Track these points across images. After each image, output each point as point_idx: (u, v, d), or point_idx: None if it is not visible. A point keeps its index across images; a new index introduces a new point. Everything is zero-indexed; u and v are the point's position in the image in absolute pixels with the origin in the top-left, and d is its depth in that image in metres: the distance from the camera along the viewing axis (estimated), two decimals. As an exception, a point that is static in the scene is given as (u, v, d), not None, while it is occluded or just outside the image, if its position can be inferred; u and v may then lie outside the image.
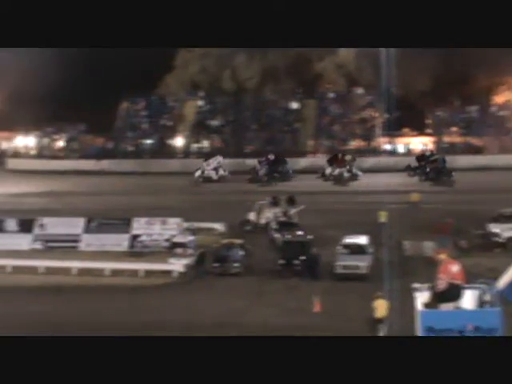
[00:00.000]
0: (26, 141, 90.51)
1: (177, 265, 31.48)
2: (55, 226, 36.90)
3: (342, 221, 38.81)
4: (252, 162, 65.10)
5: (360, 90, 77.92)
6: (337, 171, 62.86)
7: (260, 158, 65.60)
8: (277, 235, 35.36)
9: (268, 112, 77.40)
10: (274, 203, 40.18)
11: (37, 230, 36.63)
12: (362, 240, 32.61)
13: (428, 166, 61.40)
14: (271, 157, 65.99)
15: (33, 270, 31.53)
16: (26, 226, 36.73)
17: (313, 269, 30.63)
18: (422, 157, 63.72)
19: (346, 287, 28.38)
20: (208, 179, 62.75)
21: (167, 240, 35.49)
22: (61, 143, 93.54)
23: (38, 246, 36.08)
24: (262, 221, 38.96)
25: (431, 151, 65.18)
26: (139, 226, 36.43)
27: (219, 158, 65.07)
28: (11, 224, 36.90)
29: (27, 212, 43.85)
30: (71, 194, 58.01)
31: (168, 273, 31.14)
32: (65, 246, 35.94)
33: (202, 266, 31.65)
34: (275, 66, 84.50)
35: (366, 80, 78.56)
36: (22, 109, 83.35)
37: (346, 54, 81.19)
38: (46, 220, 37.17)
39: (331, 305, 25.29)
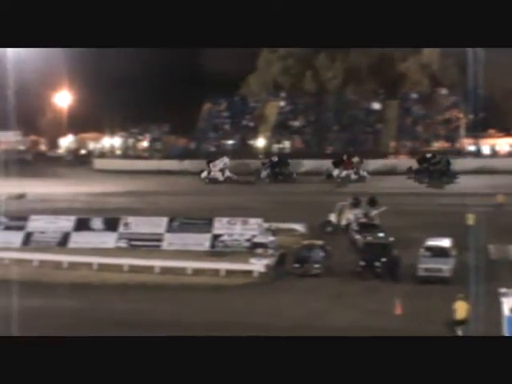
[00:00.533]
0: (112, 141, 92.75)
1: (257, 265, 31.62)
2: (139, 225, 37.62)
3: (424, 223, 38.22)
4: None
5: (444, 91, 76.51)
6: (344, 173, 63.31)
7: (264, 160, 66.42)
8: (358, 237, 35.11)
9: (350, 113, 76.86)
10: (356, 204, 39.86)
11: (121, 229, 37.42)
12: (445, 243, 31.98)
13: (431, 168, 60.86)
14: (274, 159, 66.51)
15: (118, 268, 32.21)
16: (111, 225, 37.59)
17: (393, 271, 30.25)
18: (423, 159, 62.88)
19: (428, 290, 27.90)
20: (214, 180, 63.66)
21: (248, 240, 35.71)
22: (145, 144, 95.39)
23: (123, 244, 36.86)
24: (343, 222, 38.72)
25: (433, 154, 64.01)
26: (221, 225, 36.77)
27: (225, 160, 65.48)
28: (97, 222, 37.86)
29: (112, 211, 44.96)
30: (154, 193, 59.07)
31: (249, 273, 31.31)
32: (148, 245, 36.61)
33: (282, 267, 31.70)
34: (357, 66, 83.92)
35: (450, 80, 77.14)
36: (109, 111, 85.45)
37: (430, 53, 79.93)
38: (130, 219, 37.95)
39: (412, 307, 24.92)
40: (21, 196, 53.91)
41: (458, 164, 61.44)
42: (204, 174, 64.66)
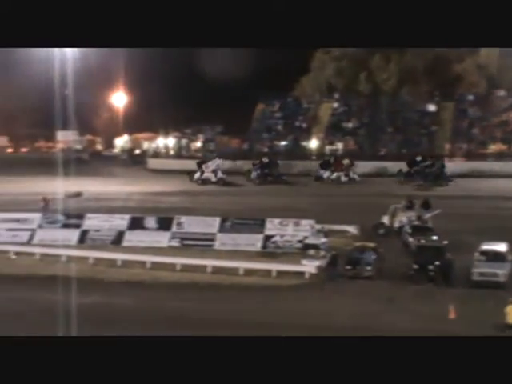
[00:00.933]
0: (166, 142, 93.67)
1: (309, 266, 31.58)
2: (192, 224, 37.93)
3: (478, 226, 37.67)
4: (389, 164, 64.71)
5: (502, 92, 75.19)
6: (334, 175, 64.17)
7: (255, 161, 67.03)
8: (411, 239, 34.76)
9: (404, 114, 76.10)
10: (409, 207, 39.50)
11: (174, 228, 37.79)
12: (502, 247, 31.44)
13: (427, 171, 61.46)
14: (265, 160, 67.05)
15: (170, 267, 32.54)
16: (164, 224, 37.99)
17: (447, 275, 29.87)
18: (412, 162, 63.44)
19: (482, 294, 27.48)
20: (207, 181, 64.35)
21: (300, 241, 35.71)
22: (198, 144, 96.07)
23: (176, 243, 37.22)
24: (396, 224, 38.39)
25: (422, 157, 64.22)
26: (272, 226, 36.84)
27: (218, 161, 66.44)
28: (151, 222, 38.31)
29: (165, 210, 45.47)
30: (207, 193, 59.52)
31: (300, 274, 31.30)
32: (200, 245, 36.88)
33: (334, 268, 31.59)
34: (413, 67, 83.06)
35: (508, 81, 75.74)
36: (163, 111, 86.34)
37: (487, 54, 78.67)
38: (183, 218, 38.31)
39: (465, 312, 24.60)
40: (77, 194, 54.89)
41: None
42: (197, 176, 65.69)
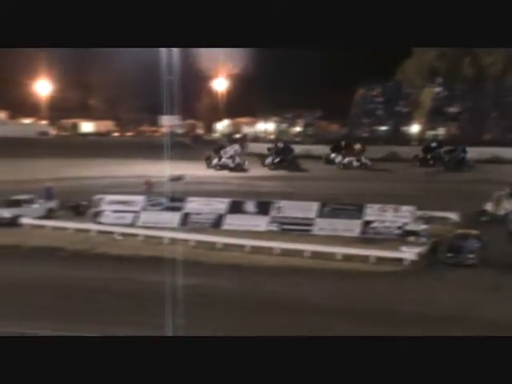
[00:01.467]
0: (265, 126, 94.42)
1: (409, 253, 31.20)
2: (290, 209, 38.12)
3: None
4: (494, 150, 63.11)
5: None
6: (346, 160, 64.14)
7: (270, 147, 67.23)
8: (515, 228, 33.84)
9: (509, 99, 73.71)
10: (513, 194, 38.41)
11: (273, 213, 38.09)
12: None
13: (447, 157, 61.54)
14: (280, 145, 67.11)
15: (269, 251, 32.85)
16: (263, 208, 38.34)
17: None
18: (427, 148, 64.15)
19: None
20: (225, 167, 64.14)
21: (400, 228, 35.33)
22: (298, 128, 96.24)
23: (274, 227, 37.51)
24: (501, 212, 37.39)
25: (437, 142, 65.07)
26: (372, 212, 36.56)
27: (236, 147, 66.52)
28: (250, 206, 38.75)
29: (264, 195, 45.86)
30: (305, 178, 59.61)
31: (399, 261, 30.98)
32: (299, 229, 37.04)
33: (434, 256, 31.13)
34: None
35: None
36: (264, 96, 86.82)
37: None
38: (282, 203, 38.55)
39: None
40: (179, 178, 56.07)
41: None
42: (215, 161, 65.72)
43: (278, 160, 65.65)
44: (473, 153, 63.80)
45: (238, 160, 65.84)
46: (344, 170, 63.26)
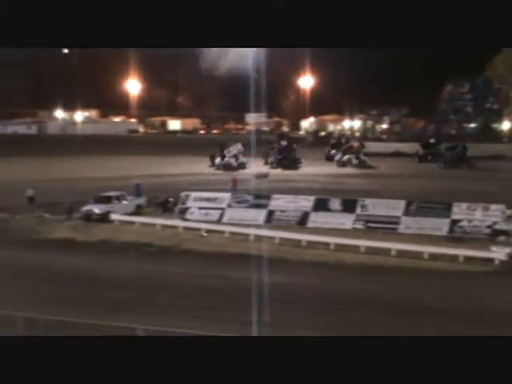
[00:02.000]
0: (351, 124, 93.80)
1: (499, 253, 30.45)
2: (376, 207, 37.77)
3: None
4: None
5: None
6: (345, 157, 65.20)
7: (273, 145, 67.42)
8: None
9: None
10: None
11: (359, 210, 37.83)
12: None
13: (447, 154, 62.47)
14: (283, 143, 67.09)
15: (354, 249, 32.65)
16: (348, 206, 38.12)
17: None
18: (427, 144, 66.35)
19: None
20: (228, 166, 63.97)
21: (489, 227, 34.50)
22: (383, 126, 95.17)
23: (359, 225, 37.27)
24: None
25: (436, 139, 66.95)
26: (460, 211, 35.82)
27: (239, 146, 66.13)
28: (335, 203, 38.60)
29: (349, 192, 45.62)
30: (391, 176, 58.97)
31: (489, 260, 30.27)
32: (384, 228, 36.66)
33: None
34: None
35: None
36: (350, 93, 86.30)
37: None
38: (367, 201, 38.25)
39: None
40: (264, 175, 56.45)
41: None
42: (217, 160, 65.59)
43: (280, 158, 66.40)
44: None
45: (241, 159, 66.58)
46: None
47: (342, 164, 65.55)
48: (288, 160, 66.04)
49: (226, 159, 66.38)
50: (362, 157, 65.74)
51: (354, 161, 65.28)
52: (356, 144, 67.75)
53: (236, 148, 67.76)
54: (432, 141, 67.53)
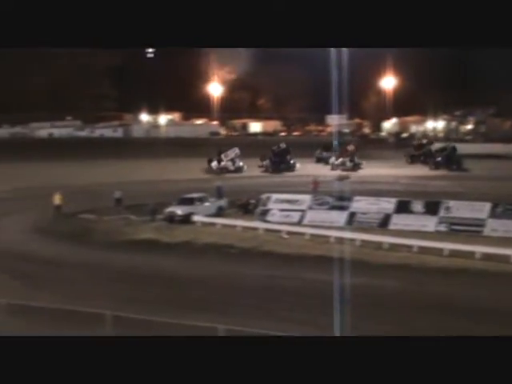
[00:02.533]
0: (434, 124, 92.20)
1: None
2: (460, 209, 37.02)
3: None
4: None
5: None
6: (339, 160, 65.43)
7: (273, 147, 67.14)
8: None
9: None
10: None
11: (442, 213, 37.16)
12: None
13: (438, 155, 62.73)
14: (282, 145, 67.52)
15: (437, 252, 32.09)
16: (431, 208, 37.51)
17: None
18: (419, 146, 67.56)
19: None
20: (225, 170, 63.99)
21: None
22: (468, 126, 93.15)
23: (443, 228, 36.61)
24: None
25: (428, 140, 68.31)
26: (549, 214, 34.75)
27: (236, 150, 66.34)
28: (418, 206, 38.06)
29: (432, 194, 44.87)
30: (475, 177, 57.73)
31: None
32: (469, 230, 35.89)
33: None
34: None
35: None
36: (433, 93, 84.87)
37: None
38: (451, 203, 37.54)
39: None
40: (345, 177, 56.18)
41: None
42: (214, 164, 65.49)
43: (276, 161, 66.58)
44: None
45: (238, 163, 66.77)
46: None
47: (336, 167, 66.10)
48: (285, 163, 66.61)
49: (223, 163, 66.73)
50: (356, 160, 66.42)
51: (348, 163, 66.04)
52: (350, 147, 68.90)
53: (233, 152, 68.19)
54: (424, 141, 68.89)
